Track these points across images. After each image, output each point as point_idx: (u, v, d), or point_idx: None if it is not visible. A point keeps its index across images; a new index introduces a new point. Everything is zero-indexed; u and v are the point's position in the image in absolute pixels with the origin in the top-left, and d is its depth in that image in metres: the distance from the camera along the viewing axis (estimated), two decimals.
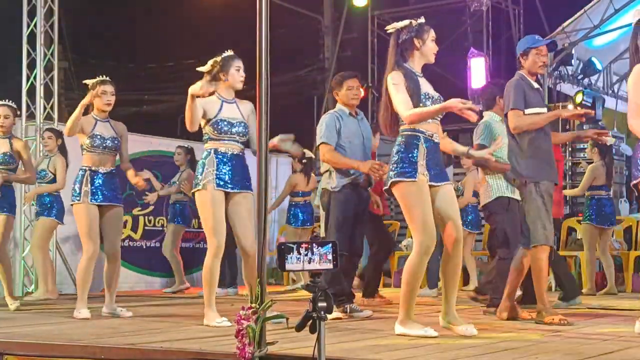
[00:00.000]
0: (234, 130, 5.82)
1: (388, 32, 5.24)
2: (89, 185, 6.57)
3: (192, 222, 10.62)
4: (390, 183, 4.98)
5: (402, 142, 5.01)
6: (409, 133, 5.00)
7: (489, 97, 6.75)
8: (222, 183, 5.77)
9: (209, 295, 5.77)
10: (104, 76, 6.73)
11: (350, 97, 6.59)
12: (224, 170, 5.77)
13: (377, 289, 8.05)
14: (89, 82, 6.73)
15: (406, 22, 5.17)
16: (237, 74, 5.88)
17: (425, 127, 5.01)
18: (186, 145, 10.27)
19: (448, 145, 5.60)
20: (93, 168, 6.62)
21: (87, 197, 6.55)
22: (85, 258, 6.53)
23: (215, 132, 5.80)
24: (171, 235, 10.21)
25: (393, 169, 4.99)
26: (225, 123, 5.81)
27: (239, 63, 5.90)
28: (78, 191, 6.57)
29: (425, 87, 5.09)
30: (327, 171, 6.57)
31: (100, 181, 6.61)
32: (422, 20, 5.19)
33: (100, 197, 6.60)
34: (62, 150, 9.00)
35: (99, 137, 6.61)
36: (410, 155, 4.94)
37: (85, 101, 6.51)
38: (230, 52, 5.93)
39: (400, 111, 4.97)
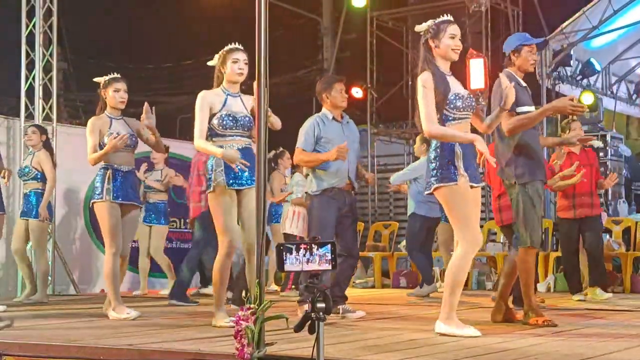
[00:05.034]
0: (238, 124, 5.71)
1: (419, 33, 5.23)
2: (111, 183, 6.47)
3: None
4: (434, 188, 5.01)
5: (438, 147, 5.03)
6: None
7: None
8: (231, 181, 5.69)
9: (219, 296, 5.77)
10: (114, 73, 6.63)
11: (339, 100, 6.48)
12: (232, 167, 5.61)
13: None
14: (99, 79, 6.61)
15: (429, 23, 5.15)
16: (234, 67, 5.74)
17: (457, 128, 5.03)
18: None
19: None
20: (115, 166, 6.51)
21: (109, 195, 6.43)
22: (110, 258, 6.39)
23: (220, 127, 5.69)
24: (162, 237, 10.09)
25: (434, 174, 5.00)
26: (230, 118, 5.69)
27: (236, 55, 5.76)
28: (100, 189, 6.44)
29: (456, 86, 5.12)
30: (307, 175, 6.57)
31: (121, 180, 6.52)
32: (443, 17, 5.16)
33: (122, 196, 6.50)
34: (47, 146, 8.84)
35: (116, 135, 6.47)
36: (448, 159, 4.97)
37: (107, 150, 6.39)
38: (232, 45, 5.80)
39: (425, 125, 4.97)
